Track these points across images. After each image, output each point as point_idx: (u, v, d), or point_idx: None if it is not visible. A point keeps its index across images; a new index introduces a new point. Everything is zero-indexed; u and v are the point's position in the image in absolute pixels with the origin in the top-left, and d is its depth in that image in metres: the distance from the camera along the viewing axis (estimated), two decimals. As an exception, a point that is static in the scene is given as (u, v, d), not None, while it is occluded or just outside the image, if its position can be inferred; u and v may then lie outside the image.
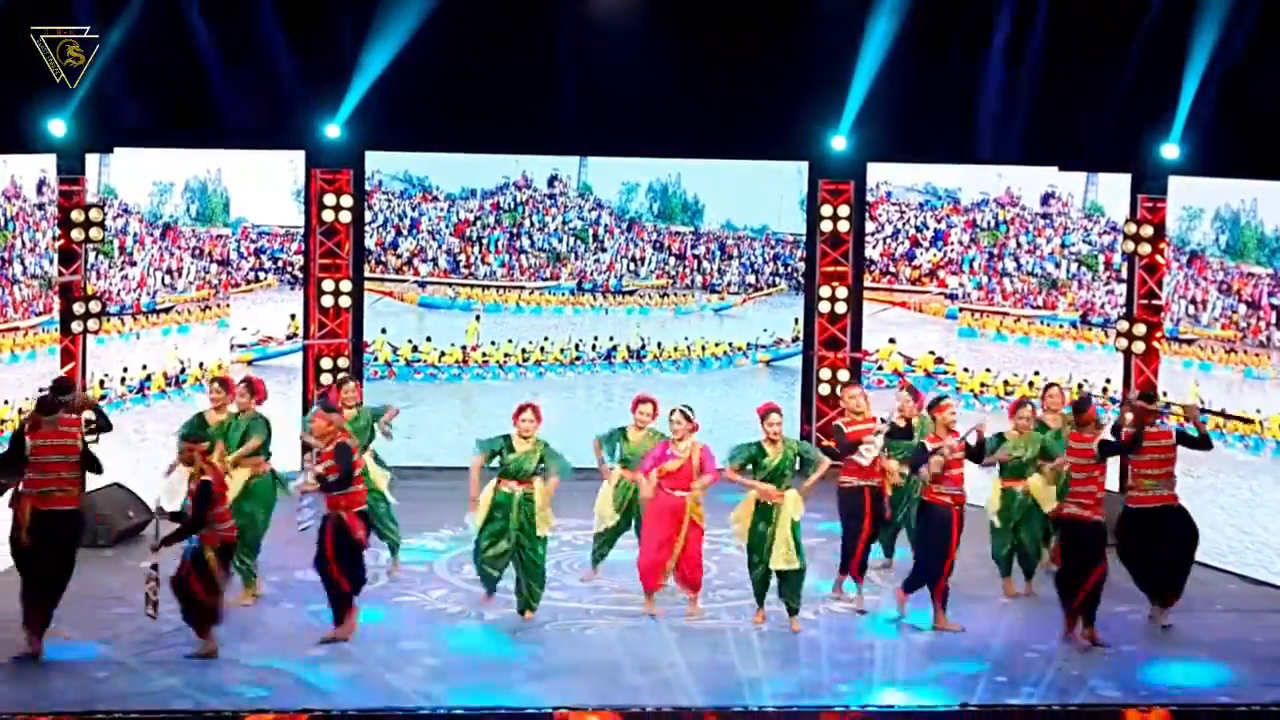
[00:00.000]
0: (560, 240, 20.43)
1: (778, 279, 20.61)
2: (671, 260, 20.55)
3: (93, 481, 14.31)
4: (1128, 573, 14.27)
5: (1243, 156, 16.85)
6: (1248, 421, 15.01)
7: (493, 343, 20.35)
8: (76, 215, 16.70)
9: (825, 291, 20.37)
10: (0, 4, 16.23)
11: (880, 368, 20.22)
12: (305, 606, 14.23)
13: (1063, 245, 18.84)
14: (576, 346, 20.44)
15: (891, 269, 20.34)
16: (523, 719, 11.90)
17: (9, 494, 13.19)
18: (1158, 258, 17.51)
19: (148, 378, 17.85)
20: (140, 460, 16.66)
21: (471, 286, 20.41)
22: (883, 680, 12.76)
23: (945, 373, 19.88)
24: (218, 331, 19.04)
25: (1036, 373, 18.71)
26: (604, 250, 20.49)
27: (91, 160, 17.09)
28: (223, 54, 18.86)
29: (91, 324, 16.86)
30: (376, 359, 20.11)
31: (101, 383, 17.18)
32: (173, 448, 15.13)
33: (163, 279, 18.43)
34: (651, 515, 14.21)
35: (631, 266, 20.51)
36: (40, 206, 16.44)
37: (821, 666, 12.99)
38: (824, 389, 20.44)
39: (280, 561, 14.80)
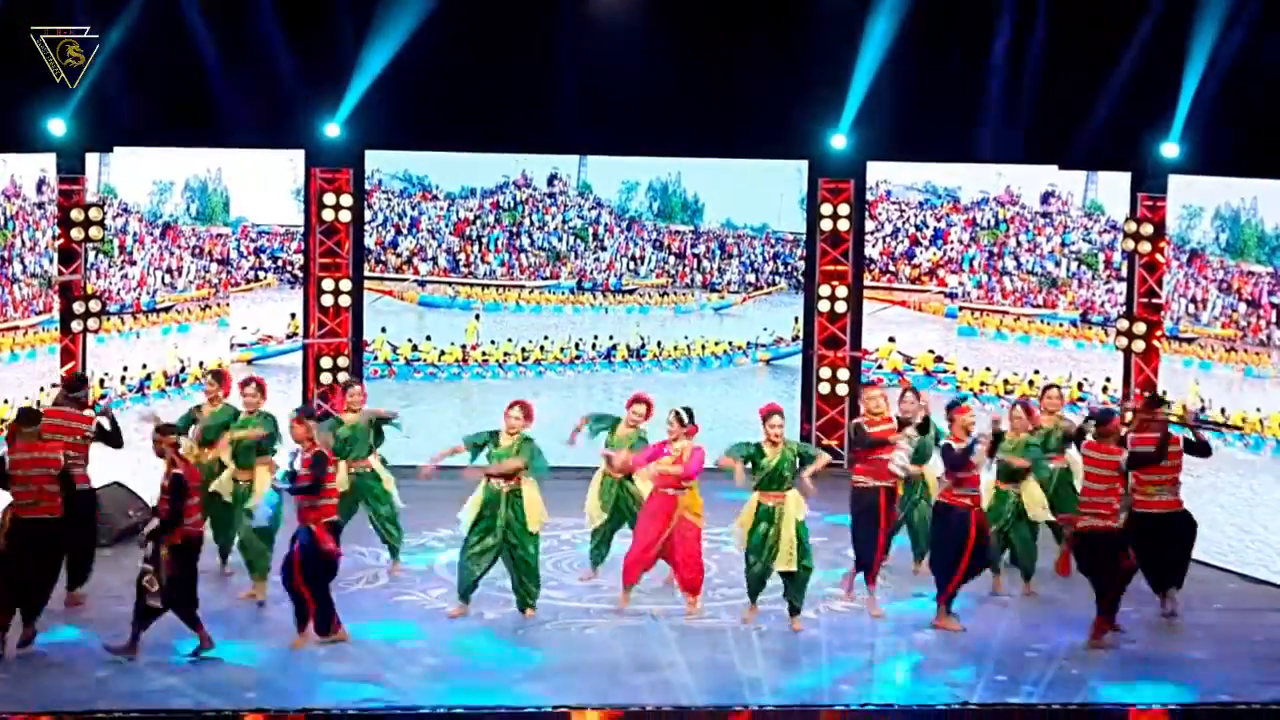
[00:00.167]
0: (560, 239, 20.43)
1: (777, 278, 20.61)
2: (671, 259, 20.55)
3: (93, 481, 14.35)
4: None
5: (1242, 155, 16.86)
6: (1235, 428, 14.95)
7: (492, 342, 20.34)
8: (76, 214, 16.72)
9: (825, 290, 20.37)
10: (0, 4, 16.24)
11: (880, 367, 20.22)
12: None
13: (1063, 244, 18.84)
14: (576, 345, 20.44)
15: (891, 268, 20.34)
16: (522, 718, 11.91)
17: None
18: (1158, 256, 17.52)
19: (148, 377, 17.85)
20: (140, 460, 16.61)
21: (471, 285, 20.41)
22: (883, 679, 12.76)
23: (945, 371, 19.88)
24: (218, 331, 19.04)
25: (1036, 371, 18.72)
26: (604, 249, 20.49)
27: (91, 159, 17.11)
28: (223, 53, 18.86)
29: (91, 323, 16.87)
30: (376, 358, 20.11)
31: (101, 382, 17.17)
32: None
33: (162, 278, 18.43)
34: (645, 513, 14.28)
35: (631, 265, 20.51)
36: (40, 206, 16.45)
37: (821, 666, 13.00)
38: (824, 388, 20.45)
39: (277, 560, 14.75)
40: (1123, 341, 17.78)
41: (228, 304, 19.17)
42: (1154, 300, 17.59)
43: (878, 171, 20.23)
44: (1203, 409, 16.69)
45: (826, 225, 20.29)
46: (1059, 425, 15.21)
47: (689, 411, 14.21)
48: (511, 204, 20.37)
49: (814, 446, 14.55)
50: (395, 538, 15.37)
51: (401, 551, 15.52)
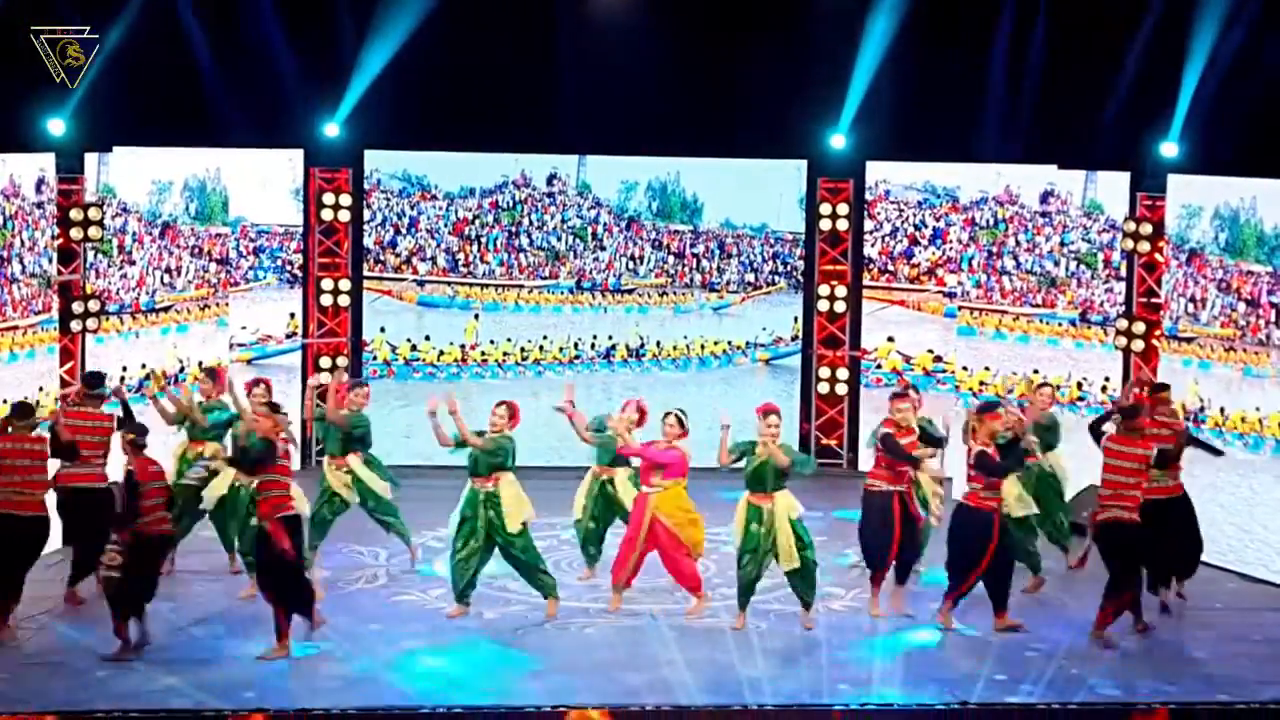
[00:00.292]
0: (559, 239, 20.43)
1: (777, 277, 20.61)
2: (670, 259, 20.55)
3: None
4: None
5: (1242, 154, 16.86)
6: (1218, 453, 14.88)
7: (492, 341, 20.35)
8: (75, 214, 16.71)
9: (824, 290, 20.38)
10: (0, 4, 16.24)
11: (879, 366, 20.23)
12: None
13: (1062, 243, 18.84)
14: (575, 345, 20.44)
15: (890, 267, 20.34)
16: (522, 718, 11.90)
17: None
18: (1157, 256, 17.52)
19: (147, 377, 17.84)
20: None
21: (470, 285, 20.41)
22: (882, 679, 12.76)
23: (944, 371, 19.89)
24: (217, 330, 19.04)
25: (1035, 371, 18.70)
26: (603, 249, 20.49)
27: (90, 159, 17.10)
28: (222, 53, 18.85)
29: (90, 323, 16.87)
30: (375, 358, 20.11)
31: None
32: (171, 446, 15.25)
33: (162, 278, 18.43)
34: (632, 512, 14.35)
35: (630, 265, 20.51)
36: (39, 205, 16.44)
37: (821, 666, 12.99)
38: (823, 388, 20.45)
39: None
40: (1122, 341, 17.78)
41: (227, 304, 19.17)
42: (1153, 300, 17.59)
43: (877, 171, 20.24)
44: (1202, 409, 16.71)
45: (826, 225, 20.30)
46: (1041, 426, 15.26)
47: (684, 414, 14.27)
48: (510, 204, 20.37)
49: (799, 454, 14.28)
50: (398, 523, 15.37)
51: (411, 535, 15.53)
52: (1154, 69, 17.95)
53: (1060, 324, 18.85)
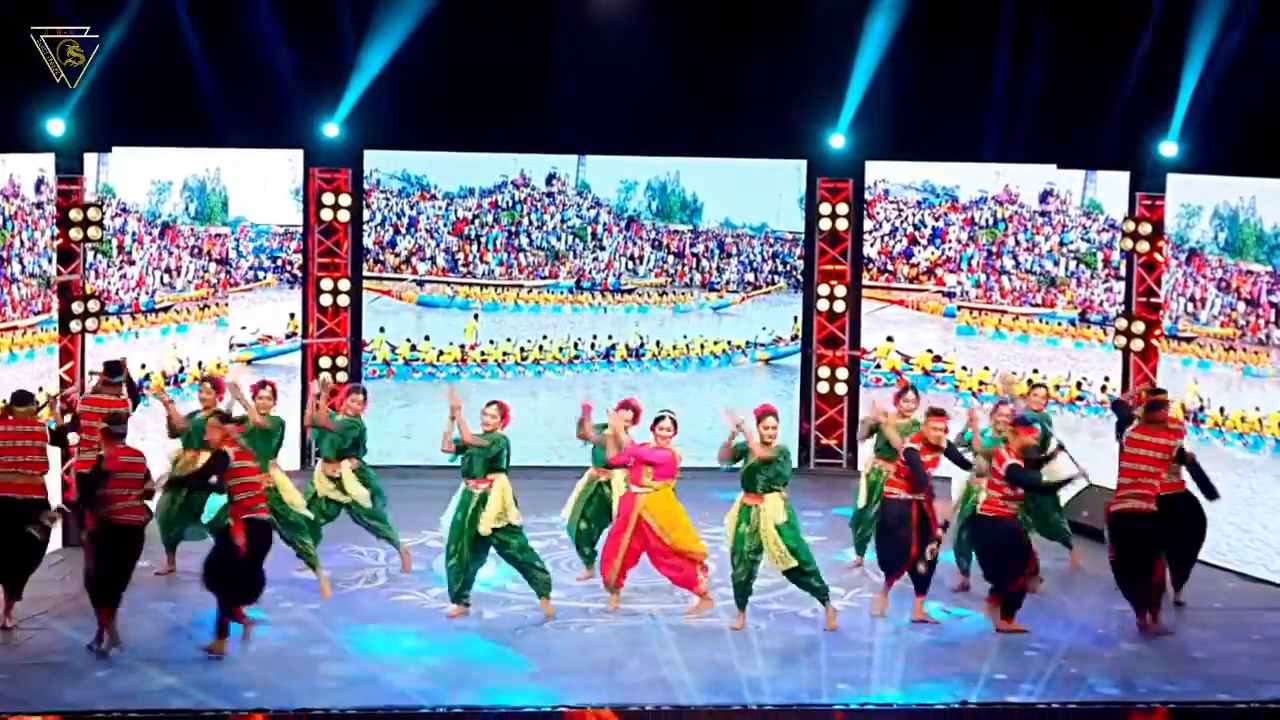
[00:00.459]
0: (559, 239, 20.43)
1: (776, 277, 20.61)
2: (670, 258, 20.55)
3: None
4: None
5: (1241, 154, 16.85)
6: (1208, 488, 14.84)
7: (491, 341, 20.34)
8: (75, 214, 16.69)
9: (824, 290, 20.38)
10: (0, 4, 16.24)
11: (879, 366, 20.24)
12: (304, 605, 14.26)
13: (1061, 243, 18.84)
14: (575, 345, 20.44)
15: (890, 267, 20.34)
16: (522, 718, 11.91)
17: None
18: (1156, 255, 17.52)
19: (146, 377, 17.83)
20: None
21: (470, 285, 20.41)
22: (882, 678, 12.76)
23: (943, 371, 19.89)
24: (216, 331, 19.03)
25: (1035, 370, 18.71)
26: (602, 249, 20.49)
27: (90, 159, 17.08)
28: (221, 53, 18.84)
29: (90, 323, 16.84)
30: (375, 358, 20.11)
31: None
32: (169, 447, 15.26)
33: (161, 278, 18.42)
34: (617, 510, 14.39)
35: (630, 265, 20.51)
36: (39, 205, 16.42)
37: (821, 666, 12.99)
38: (822, 387, 20.46)
39: (278, 560, 14.75)
40: (1121, 340, 17.78)
41: (227, 304, 19.17)
42: (1153, 299, 17.59)
43: (876, 171, 20.24)
44: (1202, 408, 16.71)
45: (825, 224, 20.31)
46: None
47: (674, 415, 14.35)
48: (510, 203, 20.37)
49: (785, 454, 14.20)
50: (387, 528, 15.36)
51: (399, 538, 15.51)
52: (1154, 69, 17.96)
53: (1060, 324, 18.86)
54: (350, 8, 19.46)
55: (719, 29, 19.80)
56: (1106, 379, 18.25)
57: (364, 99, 19.33)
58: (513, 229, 20.37)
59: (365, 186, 20.02)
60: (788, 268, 20.57)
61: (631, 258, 20.50)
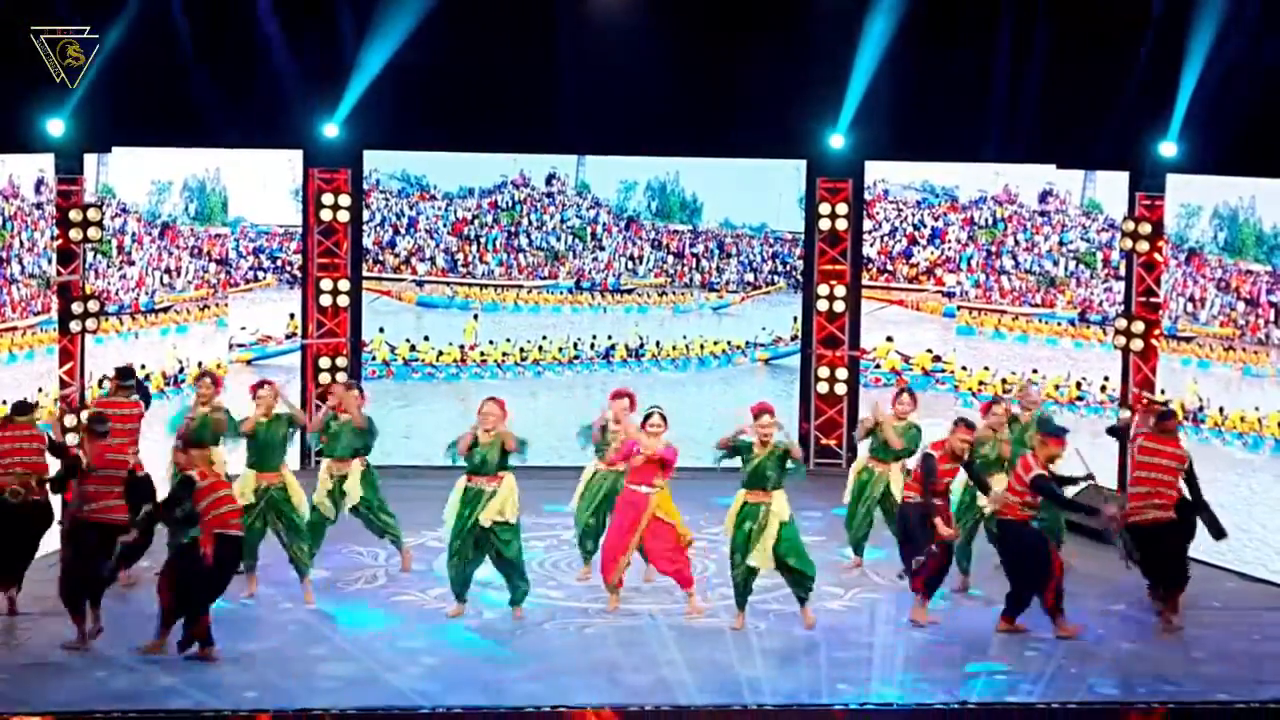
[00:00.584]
0: (558, 239, 20.42)
1: (776, 277, 20.61)
2: (670, 259, 20.55)
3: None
4: (1125, 566, 14.27)
5: (1241, 154, 16.86)
6: (1202, 502, 14.81)
7: (491, 342, 20.34)
8: (75, 215, 16.69)
9: (824, 290, 20.38)
10: (0, 4, 16.24)
11: (878, 366, 20.24)
12: (304, 606, 14.26)
13: (1061, 243, 18.85)
14: (575, 345, 20.43)
15: (889, 267, 20.34)
16: (522, 718, 11.91)
17: None
18: (1156, 255, 17.52)
19: (146, 377, 17.83)
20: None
21: (469, 285, 20.40)
22: (882, 678, 12.77)
23: (943, 371, 19.89)
24: (216, 331, 19.03)
25: (1035, 370, 18.72)
26: (602, 249, 20.49)
27: (90, 160, 17.08)
28: (221, 53, 18.85)
29: (90, 324, 16.84)
30: (374, 358, 20.11)
31: (100, 382, 17.15)
32: (170, 447, 15.25)
33: (161, 278, 18.42)
34: (616, 511, 14.38)
35: (630, 265, 20.51)
36: (38, 206, 16.42)
37: (821, 666, 13.00)
38: (822, 387, 20.46)
39: (278, 560, 14.77)
40: (1121, 340, 17.78)
41: (226, 304, 19.17)
42: (1152, 299, 17.59)
43: (876, 171, 20.24)
44: (1201, 408, 16.71)
45: (825, 225, 20.30)
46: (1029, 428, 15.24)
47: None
48: (510, 204, 20.37)
49: (793, 452, 14.14)
50: (391, 526, 15.37)
51: (403, 538, 15.51)
52: (1153, 69, 17.96)
53: (1059, 323, 18.85)
54: (350, 8, 19.47)
55: (719, 29, 19.80)
56: (1106, 379, 18.25)
57: (363, 99, 19.33)
58: (512, 229, 20.37)
59: (365, 187, 20.02)
60: (787, 268, 20.57)
61: (631, 258, 20.50)
